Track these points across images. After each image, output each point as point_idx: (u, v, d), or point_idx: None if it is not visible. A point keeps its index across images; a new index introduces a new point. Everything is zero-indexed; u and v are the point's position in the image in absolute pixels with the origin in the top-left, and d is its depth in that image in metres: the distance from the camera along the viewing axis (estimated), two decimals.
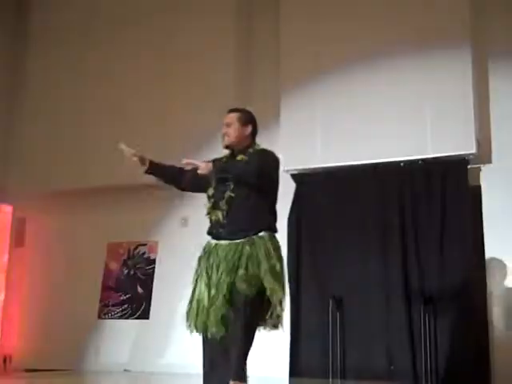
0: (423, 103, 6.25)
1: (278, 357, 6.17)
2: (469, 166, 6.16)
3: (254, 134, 4.02)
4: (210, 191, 3.98)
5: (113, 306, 7.39)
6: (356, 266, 6.26)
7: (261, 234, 3.83)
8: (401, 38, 6.45)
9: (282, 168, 6.56)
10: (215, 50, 7.16)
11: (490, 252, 5.98)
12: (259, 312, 3.75)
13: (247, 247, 3.78)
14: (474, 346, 5.78)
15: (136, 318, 7.22)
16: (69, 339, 7.21)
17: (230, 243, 3.84)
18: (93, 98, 7.67)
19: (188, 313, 3.87)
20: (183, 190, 4.27)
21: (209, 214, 3.96)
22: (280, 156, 4.14)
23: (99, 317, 7.40)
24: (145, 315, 7.18)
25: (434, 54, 6.27)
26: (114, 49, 7.68)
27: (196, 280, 3.89)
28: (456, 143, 6.10)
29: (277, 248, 3.85)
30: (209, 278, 3.81)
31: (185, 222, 7.29)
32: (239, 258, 3.76)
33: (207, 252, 3.93)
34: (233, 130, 3.94)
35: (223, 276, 3.74)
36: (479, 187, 6.16)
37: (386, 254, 6.24)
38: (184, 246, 7.15)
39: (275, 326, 3.86)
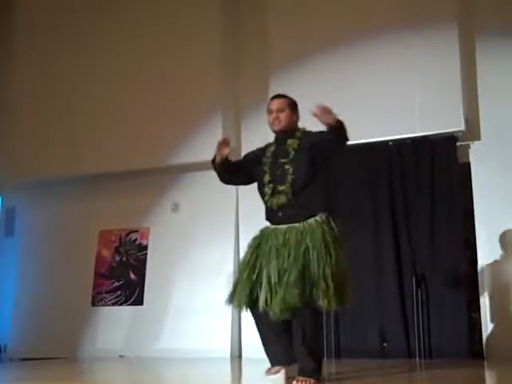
0: (411, 82, 6.25)
1: None
2: (458, 144, 6.18)
3: (298, 119, 4.21)
4: (266, 177, 4.08)
5: (106, 293, 7.39)
6: (347, 246, 6.27)
7: (320, 215, 3.97)
8: (387, 16, 6.45)
9: None
10: (202, 35, 7.10)
11: (480, 229, 6.01)
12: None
13: (308, 229, 3.90)
14: (467, 322, 5.83)
15: (130, 305, 7.23)
16: (63, 327, 7.22)
17: (288, 227, 3.96)
18: (81, 85, 7.62)
19: (238, 291, 3.97)
20: (229, 182, 4.41)
21: (269, 199, 4.05)
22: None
23: (93, 304, 7.40)
24: (138, 301, 7.19)
25: (420, 32, 6.26)
26: (101, 37, 7.61)
27: (251, 262, 3.99)
28: (444, 121, 6.11)
29: (333, 230, 3.99)
30: (269, 261, 3.91)
31: (176, 207, 7.29)
32: (300, 243, 3.87)
33: (264, 236, 4.04)
34: (285, 115, 4.11)
35: (289, 260, 3.84)
36: (468, 164, 6.18)
37: (377, 234, 6.27)
38: (175, 232, 7.18)
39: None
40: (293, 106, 4.18)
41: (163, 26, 7.34)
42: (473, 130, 6.15)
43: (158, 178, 7.33)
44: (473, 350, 5.78)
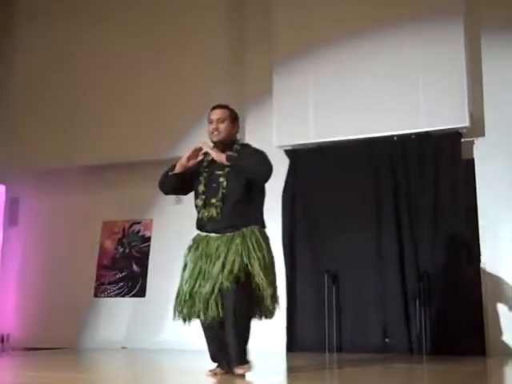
0: (416, 77, 6.23)
1: (275, 332, 6.20)
2: (462, 140, 6.16)
3: (238, 130, 4.19)
4: (201, 188, 4.07)
5: (109, 284, 7.41)
6: (351, 241, 6.29)
7: (251, 227, 3.97)
8: (393, 11, 6.41)
9: (275, 144, 6.59)
10: (206, 27, 7.09)
11: (483, 225, 6.01)
12: (250, 300, 3.88)
13: (238, 239, 3.90)
14: (469, 318, 5.83)
15: (132, 296, 7.25)
16: (66, 318, 7.24)
17: (221, 235, 3.96)
18: (83, 75, 7.60)
19: (177, 300, 4.07)
20: (169, 192, 4.44)
21: (200, 210, 4.04)
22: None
23: (95, 295, 7.42)
24: (141, 293, 7.21)
25: (426, 28, 6.24)
26: (103, 28, 7.59)
27: (185, 270, 4.04)
28: (449, 117, 6.09)
29: (267, 241, 3.99)
30: (197, 267, 3.96)
31: (179, 199, 7.28)
32: (228, 250, 3.89)
33: (197, 243, 4.05)
34: (225, 126, 4.06)
35: (214, 266, 3.87)
36: (472, 160, 6.17)
37: (381, 229, 6.27)
38: (178, 224, 7.17)
39: (266, 316, 4.02)
40: (233, 117, 4.13)
41: (167, 20, 7.33)
42: (477, 126, 6.14)
43: (161, 170, 7.30)
44: (474, 347, 5.77)
